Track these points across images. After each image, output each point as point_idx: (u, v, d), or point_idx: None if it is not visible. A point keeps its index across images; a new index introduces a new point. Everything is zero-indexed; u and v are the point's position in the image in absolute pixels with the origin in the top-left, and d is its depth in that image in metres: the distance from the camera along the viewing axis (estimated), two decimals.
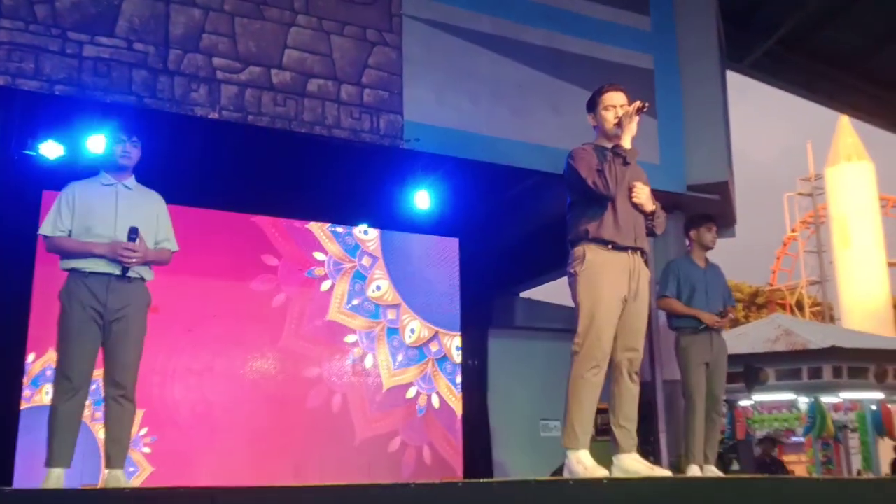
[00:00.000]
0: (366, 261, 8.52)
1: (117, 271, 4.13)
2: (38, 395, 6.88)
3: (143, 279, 4.26)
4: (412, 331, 8.58)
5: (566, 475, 3.78)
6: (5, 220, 6.36)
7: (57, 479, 3.95)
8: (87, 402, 6.09)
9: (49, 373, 6.90)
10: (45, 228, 4.22)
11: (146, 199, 4.41)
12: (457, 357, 8.79)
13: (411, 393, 8.43)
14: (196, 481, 6.84)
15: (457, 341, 8.81)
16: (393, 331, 8.48)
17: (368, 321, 8.39)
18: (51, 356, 6.88)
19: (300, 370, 7.98)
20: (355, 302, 8.37)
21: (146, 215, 4.34)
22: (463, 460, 8.55)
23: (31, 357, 6.93)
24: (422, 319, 8.65)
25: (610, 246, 3.94)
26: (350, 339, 8.27)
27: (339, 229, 8.43)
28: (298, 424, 7.84)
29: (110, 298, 4.10)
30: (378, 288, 8.52)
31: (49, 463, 4.00)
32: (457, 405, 8.66)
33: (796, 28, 9.99)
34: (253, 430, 7.60)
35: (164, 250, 4.39)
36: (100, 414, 6.88)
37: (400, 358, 8.45)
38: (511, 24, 7.06)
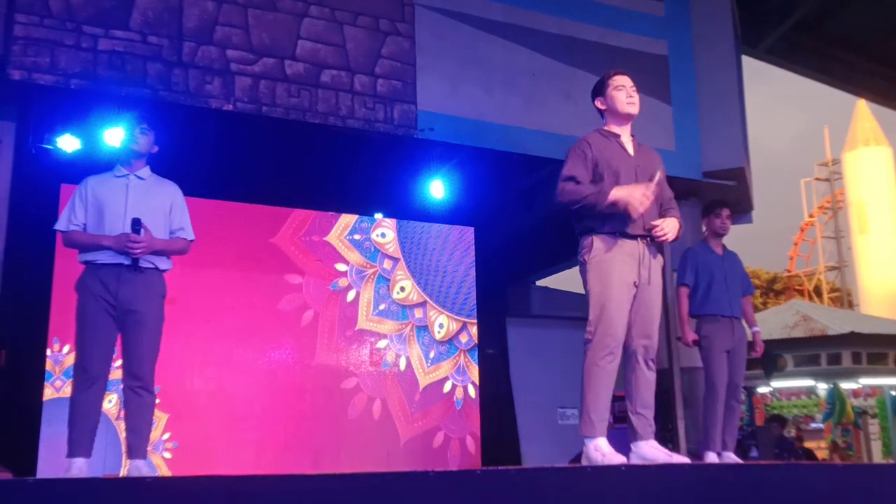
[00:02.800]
0: (387, 264, 8.55)
1: (126, 262, 4.14)
2: (68, 386, 6.94)
3: (157, 269, 4.25)
4: (440, 326, 8.61)
5: (584, 463, 3.78)
6: (25, 215, 6.40)
7: (79, 469, 3.98)
8: (115, 397, 6.14)
9: (52, 364, 6.97)
10: (60, 223, 4.25)
11: (160, 189, 4.38)
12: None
13: (447, 387, 8.46)
14: (215, 471, 6.89)
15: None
16: (422, 329, 8.51)
17: (397, 323, 8.43)
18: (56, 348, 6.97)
19: (338, 382, 8.02)
20: (382, 307, 8.42)
21: (158, 205, 4.32)
22: (481, 448, 8.57)
23: (51, 350, 6.99)
24: (448, 313, 8.67)
25: (618, 235, 3.92)
26: (381, 343, 8.32)
27: (357, 237, 8.45)
28: (320, 416, 7.88)
29: (121, 289, 4.10)
30: (402, 289, 8.55)
31: (70, 453, 4.03)
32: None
33: (811, 12, 9.92)
34: (273, 419, 7.66)
35: (179, 239, 4.37)
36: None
37: (432, 354, 8.49)
38: (523, 12, 7.04)
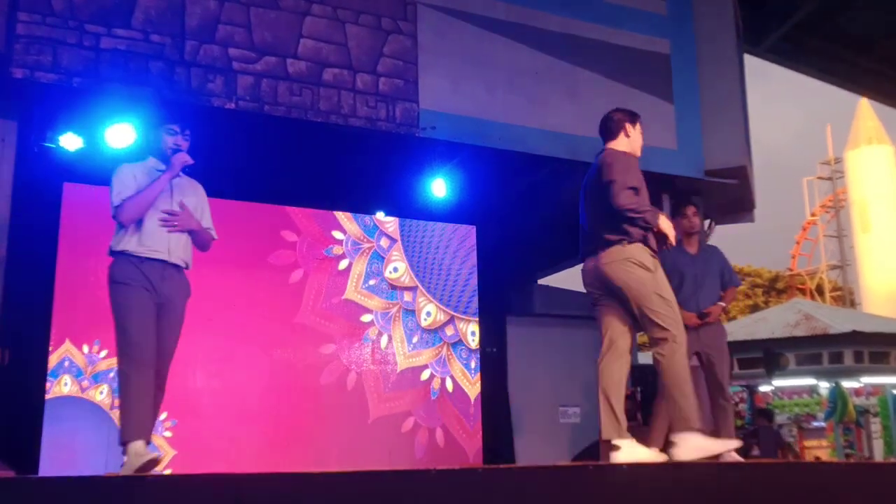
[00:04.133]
0: (384, 242, 8.59)
1: (171, 260, 4.12)
2: (56, 387, 6.96)
3: (186, 267, 4.28)
4: (428, 314, 8.62)
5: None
6: (27, 213, 6.41)
7: (140, 452, 3.85)
8: (106, 388, 6.11)
9: (67, 363, 7.00)
10: (115, 198, 4.11)
11: (193, 189, 4.43)
12: (472, 342, 8.82)
13: (425, 375, 8.47)
14: (217, 469, 6.91)
15: (472, 327, 8.84)
16: (408, 313, 8.54)
17: (385, 302, 8.45)
18: (67, 347, 6.98)
19: (316, 347, 8.01)
20: (372, 282, 8.43)
21: (195, 205, 4.37)
22: (483, 447, 8.57)
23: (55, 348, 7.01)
24: (438, 303, 8.68)
25: (653, 253, 4.21)
26: (366, 318, 8.32)
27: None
28: (316, 407, 7.89)
29: (164, 286, 4.10)
30: (395, 270, 8.58)
31: (128, 438, 3.89)
32: (471, 390, 8.69)
33: (814, 11, 9.90)
34: (273, 416, 7.67)
35: (207, 233, 4.44)
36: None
37: (415, 340, 8.50)
38: (526, 11, 7.04)
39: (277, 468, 7.19)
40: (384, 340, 8.39)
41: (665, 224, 4.14)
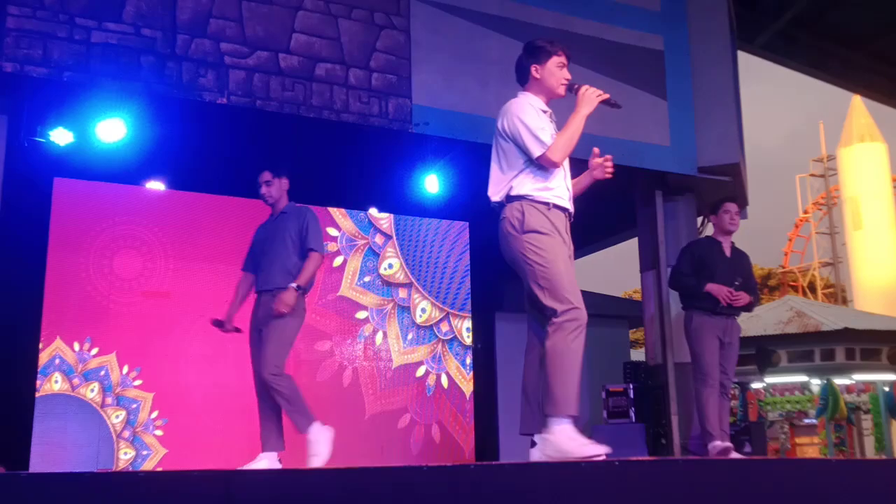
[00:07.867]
0: (378, 238, 8.59)
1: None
2: (47, 384, 6.92)
3: None
4: (423, 311, 8.64)
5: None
6: (18, 208, 6.38)
7: (584, 441, 3.51)
8: (97, 386, 6.07)
9: (58, 361, 6.95)
10: (542, 133, 3.86)
11: None
12: (467, 339, 8.83)
13: (421, 372, 8.49)
14: (208, 465, 6.88)
15: (467, 323, 8.85)
16: (403, 309, 8.54)
17: (379, 298, 8.44)
18: (57, 344, 6.93)
19: (311, 343, 8.03)
20: (367, 279, 8.43)
21: None
22: (475, 443, 8.58)
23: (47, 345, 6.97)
24: (433, 300, 8.69)
25: None
26: (361, 315, 8.33)
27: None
28: (313, 404, 7.85)
29: (568, 237, 3.87)
30: (390, 266, 8.59)
31: (566, 411, 3.50)
32: (466, 386, 8.72)
33: (808, 8, 9.89)
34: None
35: None
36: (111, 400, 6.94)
37: (410, 336, 8.52)
38: (519, 6, 7.02)
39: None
40: (379, 337, 8.40)
41: None
